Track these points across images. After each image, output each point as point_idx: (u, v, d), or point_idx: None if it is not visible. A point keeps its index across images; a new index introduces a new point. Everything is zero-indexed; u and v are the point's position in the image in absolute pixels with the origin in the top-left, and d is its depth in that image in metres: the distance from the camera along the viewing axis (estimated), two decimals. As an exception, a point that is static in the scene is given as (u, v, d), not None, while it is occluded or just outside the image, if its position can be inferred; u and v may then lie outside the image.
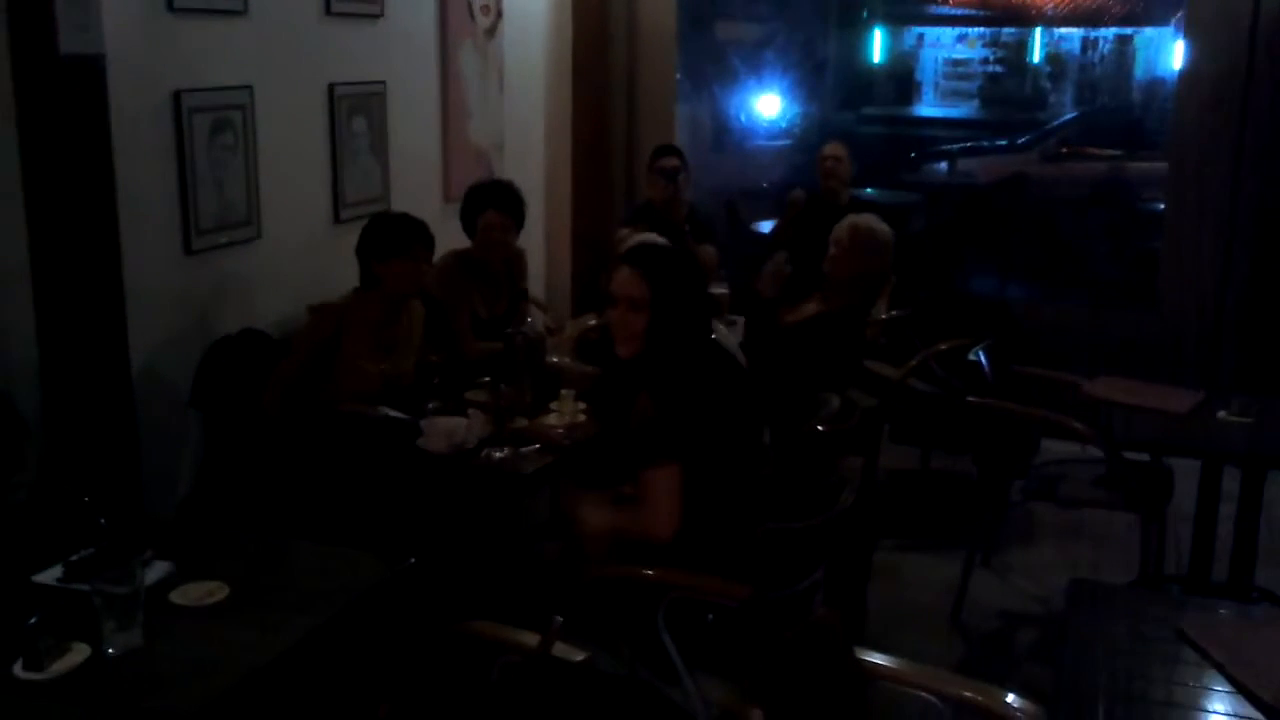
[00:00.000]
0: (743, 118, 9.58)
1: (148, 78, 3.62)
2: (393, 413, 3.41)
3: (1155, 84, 9.71)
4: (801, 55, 10.01)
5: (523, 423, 3.49)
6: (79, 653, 2.07)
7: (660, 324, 2.81)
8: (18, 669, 2.02)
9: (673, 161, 5.26)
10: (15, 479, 2.93)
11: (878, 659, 2.41)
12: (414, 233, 3.64)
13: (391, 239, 3.60)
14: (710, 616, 2.70)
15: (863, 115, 10.42)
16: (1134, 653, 2.24)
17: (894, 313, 5.09)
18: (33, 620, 2.03)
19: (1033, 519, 4.80)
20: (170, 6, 3.68)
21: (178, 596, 2.29)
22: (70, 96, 3.25)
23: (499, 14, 5.54)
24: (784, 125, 9.81)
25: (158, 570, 2.36)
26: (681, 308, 2.84)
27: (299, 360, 3.52)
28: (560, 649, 2.47)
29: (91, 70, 3.29)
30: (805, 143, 8.95)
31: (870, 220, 4.75)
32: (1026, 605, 4.23)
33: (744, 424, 2.92)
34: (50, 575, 2.32)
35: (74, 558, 2.31)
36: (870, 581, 3.92)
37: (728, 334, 3.65)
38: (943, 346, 4.45)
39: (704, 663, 2.68)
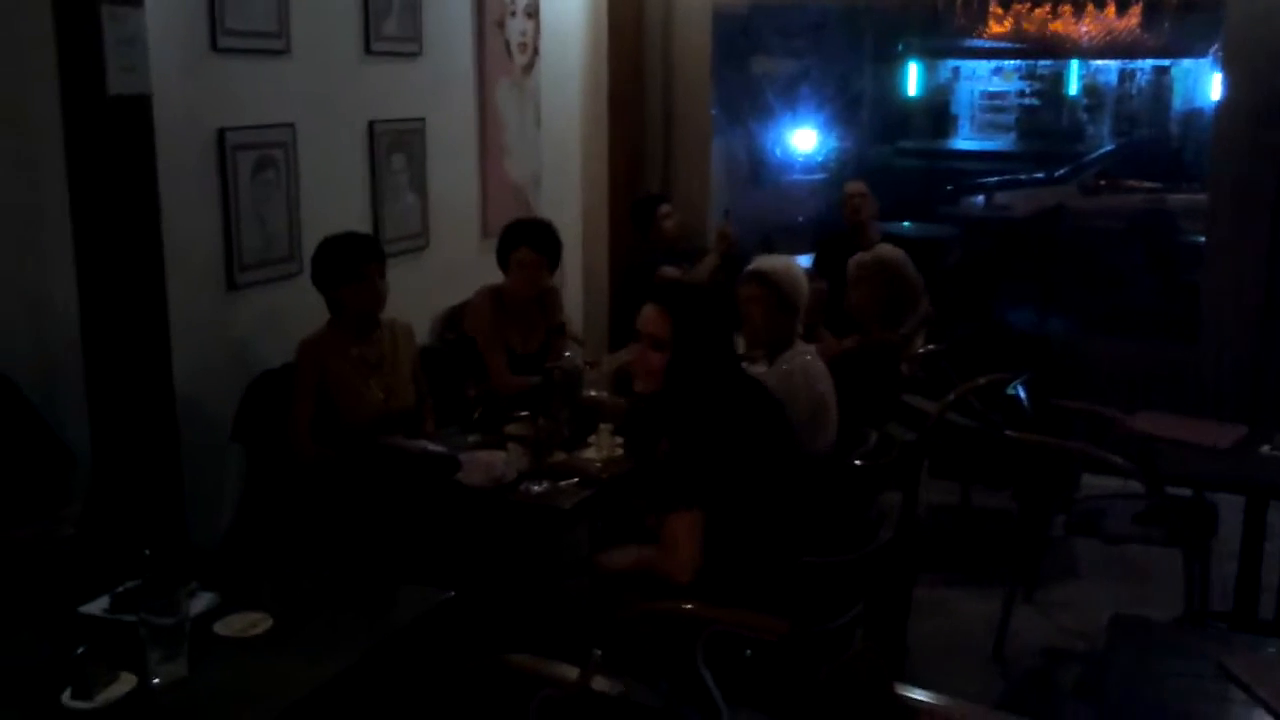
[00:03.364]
0: (778, 152, 9.60)
1: (193, 116, 3.69)
2: (432, 446, 3.43)
3: (1193, 115, 9.64)
4: (837, 89, 10.03)
5: (561, 456, 3.50)
6: (125, 683, 2.09)
7: (679, 363, 2.82)
8: (66, 698, 2.05)
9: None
10: (63, 511, 2.97)
11: (918, 695, 2.39)
12: (360, 253, 3.62)
13: (338, 265, 3.59)
14: (748, 651, 2.69)
15: (898, 149, 10.41)
16: (1178, 691, 2.21)
17: (931, 347, 5.10)
18: (80, 650, 2.05)
19: (1074, 554, 4.75)
20: (215, 46, 3.76)
21: (222, 627, 2.31)
22: (118, 135, 3.31)
23: (536, 51, 5.60)
24: (820, 159, 9.82)
25: (202, 601, 2.38)
26: (703, 348, 2.84)
27: (302, 401, 3.55)
28: (599, 682, 2.47)
29: (138, 109, 3.35)
30: (841, 177, 8.96)
31: (877, 251, 4.81)
32: (1068, 641, 4.18)
33: (777, 459, 2.91)
34: (97, 606, 2.35)
35: (121, 589, 2.34)
36: (910, 617, 3.89)
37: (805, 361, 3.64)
38: (981, 381, 4.43)
39: (743, 698, 2.67)
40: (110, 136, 3.29)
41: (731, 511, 2.75)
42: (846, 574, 2.84)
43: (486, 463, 3.28)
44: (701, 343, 2.85)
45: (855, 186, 5.97)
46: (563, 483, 3.35)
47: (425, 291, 4.57)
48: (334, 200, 4.31)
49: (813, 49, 9.73)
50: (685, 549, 2.69)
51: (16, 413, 3.07)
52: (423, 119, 4.81)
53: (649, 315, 2.87)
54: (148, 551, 2.36)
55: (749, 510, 2.80)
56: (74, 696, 2.04)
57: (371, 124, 4.50)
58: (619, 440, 3.61)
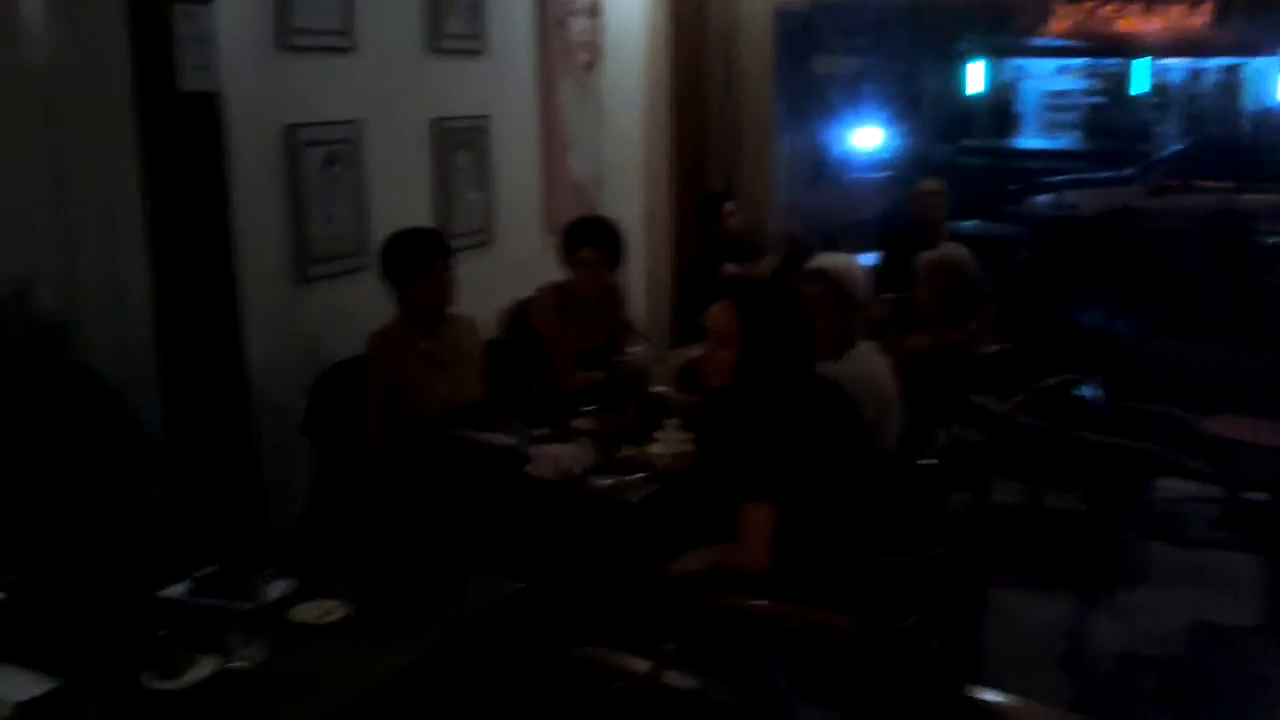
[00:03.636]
0: (840, 150, 9.55)
1: (261, 113, 3.72)
2: (500, 439, 3.44)
3: (1266, 114, 9.45)
4: (900, 88, 9.98)
5: (628, 451, 3.50)
6: (206, 665, 2.11)
7: (748, 360, 2.81)
8: (147, 679, 2.07)
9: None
10: (142, 497, 3.01)
11: (990, 696, 2.35)
12: (428, 248, 3.65)
13: (407, 260, 3.62)
14: (818, 649, 2.67)
15: (962, 147, 10.31)
16: (1259, 700, 2.14)
17: (999, 347, 5.03)
18: (164, 633, 2.08)
19: (1148, 558, 4.65)
20: (283, 44, 3.80)
21: (298, 614, 2.33)
22: (189, 132, 3.36)
23: (599, 50, 5.60)
24: (882, 158, 9.75)
25: (279, 588, 2.40)
26: (772, 346, 2.83)
27: (373, 394, 3.57)
28: (672, 676, 2.45)
29: (210, 106, 3.40)
30: (904, 175, 8.89)
31: (943, 250, 4.76)
32: (1143, 646, 4.08)
33: (848, 457, 2.88)
34: (177, 590, 2.37)
35: (201, 574, 2.36)
36: (983, 619, 3.83)
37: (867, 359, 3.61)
38: (1050, 381, 4.36)
39: (813, 695, 2.64)
40: (182, 133, 3.34)
41: (802, 507, 2.74)
42: (917, 574, 2.81)
43: (555, 456, 3.29)
44: (771, 339, 2.84)
45: (931, 184, 5.95)
46: (629, 477, 3.34)
47: (489, 287, 4.58)
48: (399, 196, 4.33)
49: (874, 47, 9.68)
50: (757, 541, 2.69)
51: (99, 402, 3.12)
52: (486, 116, 4.82)
53: (718, 312, 2.87)
54: (226, 537, 2.38)
55: (819, 506, 2.78)
56: (158, 678, 2.06)
57: (436, 121, 4.52)
58: (686, 436, 3.59)
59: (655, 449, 3.54)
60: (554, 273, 4.44)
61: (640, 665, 2.48)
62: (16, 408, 2.93)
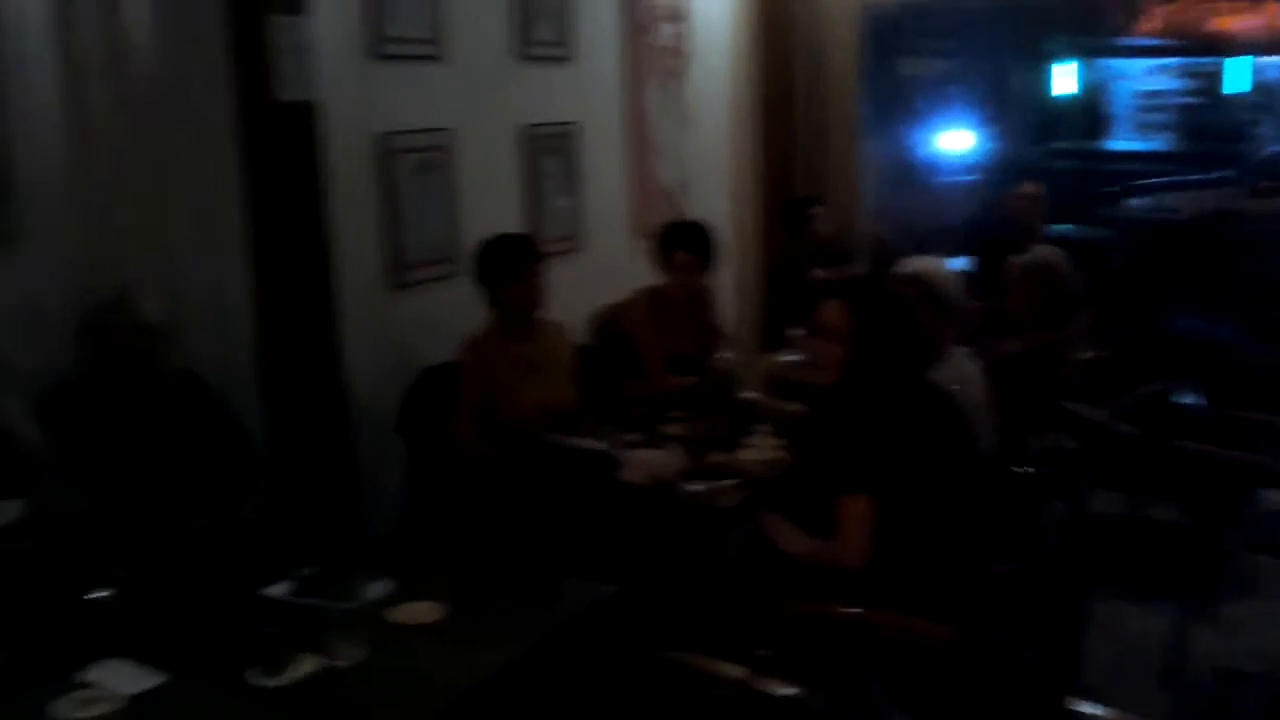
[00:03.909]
0: (928, 153, 9.44)
1: (356, 121, 3.79)
2: (591, 443, 3.45)
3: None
4: (988, 90, 9.82)
5: (718, 457, 3.49)
6: (308, 663, 2.15)
7: (857, 358, 2.85)
8: (252, 675, 2.11)
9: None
10: (245, 499, 3.08)
11: (1089, 710, 2.31)
12: (520, 253, 3.68)
13: (499, 265, 3.65)
14: (913, 658, 2.64)
15: (1052, 150, 10.11)
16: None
17: (1093, 353, 4.93)
18: (269, 630, 2.11)
19: (1256, 571, 4.51)
20: (376, 54, 3.86)
21: (396, 614, 2.36)
22: (288, 140, 3.42)
23: (686, 54, 5.60)
24: (971, 161, 9.61)
25: (378, 588, 2.43)
26: (882, 345, 2.86)
27: (466, 398, 3.61)
28: (768, 683, 2.44)
29: (307, 115, 3.46)
30: (993, 179, 8.74)
31: (1036, 253, 4.69)
32: (1246, 661, 3.97)
33: (948, 461, 2.86)
34: (280, 589, 2.42)
35: (303, 573, 2.40)
36: (1081, 630, 3.75)
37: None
38: (1146, 388, 4.26)
39: (908, 705, 2.61)
40: (281, 142, 3.40)
41: (900, 505, 2.73)
42: (1012, 584, 2.77)
43: (647, 461, 3.30)
44: (881, 338, 2.87)
45: (1030, 188, 5.90)
46: (721, 483, 3.33)
47: (578, 292, 4.59)
48: (489, 203, 4.37)
49: (963, 48, 9.54)
50: (855, 534, 2.70)
51: (203, 405, 3.19)
52: (574, 123, 4.85)
53: (830, 309, 2.93)
54: (327, 538, 2.42)
55: (917, 506, 2.77)
56: (263, 674, 2.10)
57: (525, 128, 4.55)
58: (777, 442, 3.57)
59: (746, 455, 3.54)
60: (642, 278, 4.45)
61: (734, 671, 2.48)
62: (125, 410, 3.02)
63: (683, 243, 4.29)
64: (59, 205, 3.23)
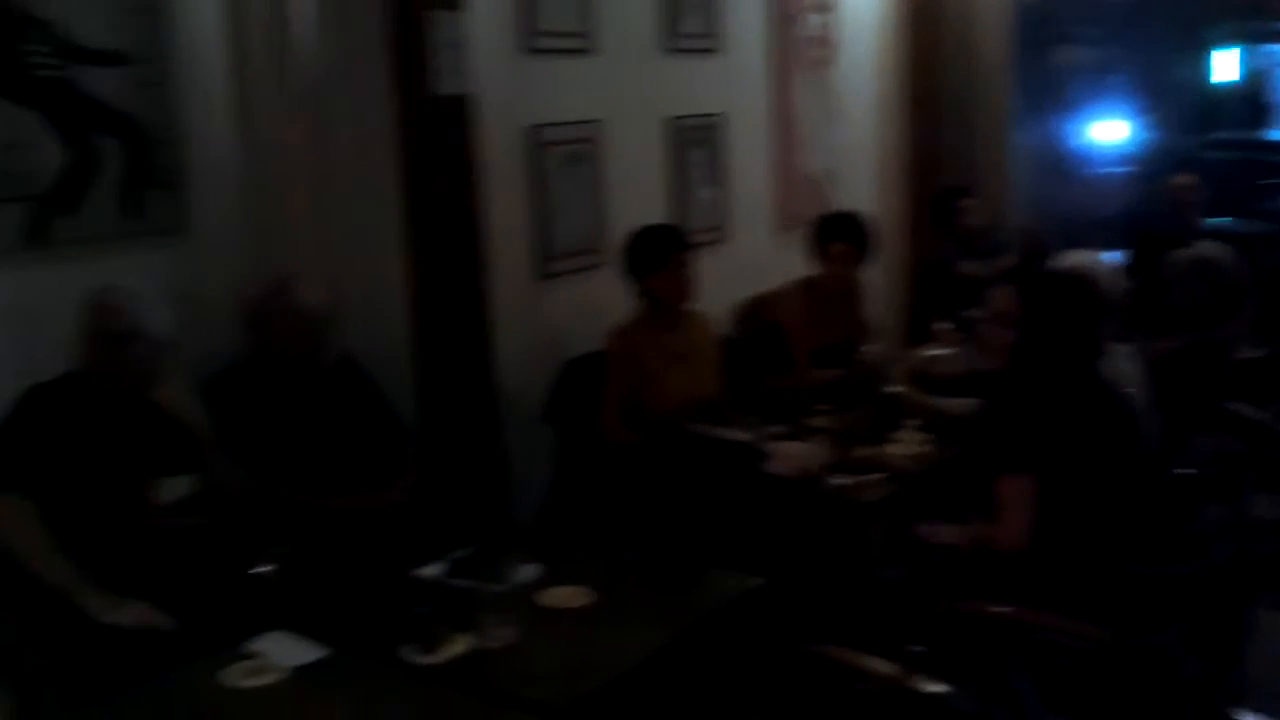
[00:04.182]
0: (1081, 144, 9.14)
1: (507, 113, 3.84)
2: (736, 434, 3.45)
3: None
4: (1144, 79, 9.46)
5: (864, 450, 3.45)
6: (461, 643, 2.20)
7: (1025, 343, 2.86)
8: (408, 652, 2.16)
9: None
10: (398, 482, 3.16)
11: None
12: (669, 243, 3.70)
13: (648, 255, 3.67)
14: (1067, 661, 2.57)
15: (1210, 140, 9.67)
16: None
17: (1256, 352, 4.73)
18: (424, 610, 2.17)
19: None
20: (527, 47, 3.91)
21: (545, 598, 2.39)
22: (444, 133, 3.49)
23: (833, 44, 5.54)
24: (1126, 152, 9.28)
25: (529, 572, 2.47)
26: (1051, 332, 2.85)
27: (614, 387, 3.64)
28: (919, 680, 2.41)
29: (462, 108, 3.52)
30: (1149, 170, 8.42)
31: (1198, 248, 4.49)
32: None
33: (1112, 458, 2.80)
34: (433, 570, 2.48)
35: (456, 555, 2.45)
36: (1246, 639, 3.59)
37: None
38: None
39: (1062, 709, 2.55)
40: (437, 135, 3.47)
41: (1060, 496, 2.69)
42: (1171, 588, 2.68)
43: (793, 454, 3.28)
44: (1051, 326, 2.87)
45: (1185, 179, 5.75)
46: (869, 477, 3.30)
47: (724, 283, 4.59)
48: (636, 194, 4.39)
49: (1117, 36, 9.21)
50: (1016, 515, 2.68)
51: (360, 390, 3.29)
52: (721, 114, 4.84)
53: (1002, 294, 3.00)
54: (478, 522, 2.47)
55: (1077, 500, 2.72)
56: (418, 652, 2.15)
57: (671, 119, 4.56)
58: (925, 436, 3.52)
59: (893, 449, 3.50)
60: (787, 269, 4.42)
61: (883, 667, 2.45)
62: (286, 394, 3.13)
63: (840, 234, 4.26)
64: (227, 198, 3.38)
